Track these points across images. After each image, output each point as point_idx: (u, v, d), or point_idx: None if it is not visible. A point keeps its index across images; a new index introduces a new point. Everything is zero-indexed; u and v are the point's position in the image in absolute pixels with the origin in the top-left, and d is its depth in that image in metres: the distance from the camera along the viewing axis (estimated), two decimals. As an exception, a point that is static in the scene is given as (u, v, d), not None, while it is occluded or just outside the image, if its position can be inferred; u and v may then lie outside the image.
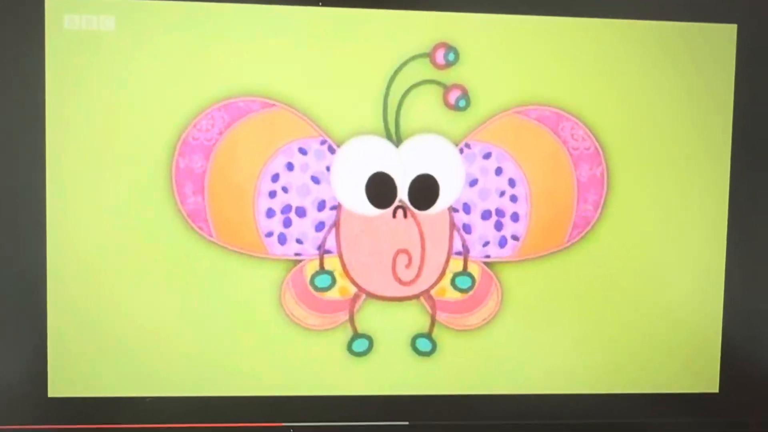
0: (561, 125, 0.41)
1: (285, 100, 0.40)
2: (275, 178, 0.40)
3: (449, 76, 0.40)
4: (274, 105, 0.40)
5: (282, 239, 0.40)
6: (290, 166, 0.40)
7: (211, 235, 0.40)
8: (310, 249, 0.40)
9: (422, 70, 0.40)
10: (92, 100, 0.39)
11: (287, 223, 0.40)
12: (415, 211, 0.41)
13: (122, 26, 0.38)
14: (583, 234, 0.41)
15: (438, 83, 0.40)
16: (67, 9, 0.38)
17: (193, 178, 0.40)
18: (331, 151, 0.40)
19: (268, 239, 0.40)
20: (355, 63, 0.40)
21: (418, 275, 0.41)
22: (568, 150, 0.41)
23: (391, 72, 0.40)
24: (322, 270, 0.41)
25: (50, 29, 0.38)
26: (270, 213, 0.40)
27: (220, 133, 0.40)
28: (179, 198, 0.40)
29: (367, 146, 0.40)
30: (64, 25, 0.38)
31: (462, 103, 0.40)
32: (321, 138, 0.40)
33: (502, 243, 0.41)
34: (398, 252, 0.41)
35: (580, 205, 0.41)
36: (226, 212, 0.40)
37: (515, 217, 0.41)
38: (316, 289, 0.41)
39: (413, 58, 0.40)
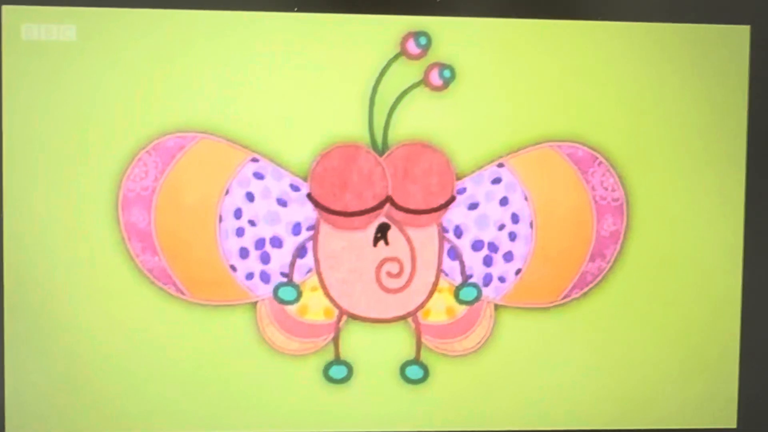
0: (592, 170, 0.35)
1: (206, 128, 0.33)
2: (238, 213, 0.34)
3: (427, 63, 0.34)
4: (195, 137, 0.34)
5: (265, 277, 0.34)
6: (250, 196, 0.34)
7: (183, 294, 0.34)
8: (298, 277, 0.35)
9: (401, 72, 0.34)
10: (52, 122, 0.33)
11: (265, 258, 0.35)
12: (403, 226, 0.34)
13: (84, 36, 0.33)
14: (582, 293, 0.35)
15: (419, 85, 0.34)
16: (25, 18, 0.33)
17: (141, 234, 0.34)
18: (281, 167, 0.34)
19: (250, 282, 0.34)
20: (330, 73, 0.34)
21: (407, 284, 0.35)
22: (595, 199, 0.35)
23: (372, 82, 0.34)
24: (288, 282, 0.34)
25: (7, 40, 0.33)
26: (243, 253, 0.34)
27: (156, 180, 0.34)
28: (134, 255, 0.34)
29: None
30: (21, 35, 0.33)
31: (447, 74, 0.34)
32: (253, 156, 0.34)
33: (487, 280, 0.35)
34: (385, 260, 0.35)
35: (589, 264, 0.35)
36: (191, 267, 0.34)
37: (508, 257, 0.35)
38: (281, 301, 0.34)
39: (386, 67, 0.34)
